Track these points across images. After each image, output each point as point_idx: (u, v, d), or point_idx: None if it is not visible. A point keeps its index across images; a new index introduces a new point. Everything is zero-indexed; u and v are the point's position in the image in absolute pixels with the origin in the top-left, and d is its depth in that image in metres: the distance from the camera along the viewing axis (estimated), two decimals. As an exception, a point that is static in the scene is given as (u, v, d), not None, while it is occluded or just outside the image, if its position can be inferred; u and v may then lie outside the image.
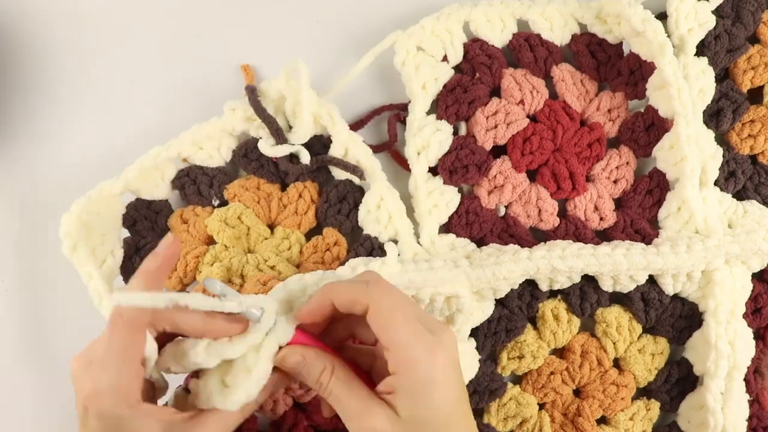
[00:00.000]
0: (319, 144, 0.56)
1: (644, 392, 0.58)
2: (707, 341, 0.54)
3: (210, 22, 0.59)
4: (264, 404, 0.54)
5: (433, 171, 0.57)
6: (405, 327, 0.41)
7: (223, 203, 0.57)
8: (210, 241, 0.56)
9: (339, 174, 0.56)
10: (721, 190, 0.56)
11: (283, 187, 0.57)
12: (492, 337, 0.57)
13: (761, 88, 0.56)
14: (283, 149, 0.54)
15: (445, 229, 0.58)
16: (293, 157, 0.55)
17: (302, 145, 0.55)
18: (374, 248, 0.55)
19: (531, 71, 0.57)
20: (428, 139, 0.56)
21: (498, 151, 0.58)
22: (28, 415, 0.58)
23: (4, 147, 0.59)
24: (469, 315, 0.54)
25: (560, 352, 0.58)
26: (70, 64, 0.59)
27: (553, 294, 0.58)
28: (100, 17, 0.59)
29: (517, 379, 0.59)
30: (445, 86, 0.57)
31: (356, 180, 0.56)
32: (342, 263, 0.54)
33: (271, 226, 0.57)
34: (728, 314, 0.54)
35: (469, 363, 0.56)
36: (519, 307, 0.57)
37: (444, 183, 0.57)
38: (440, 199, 0.57)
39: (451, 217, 0.58)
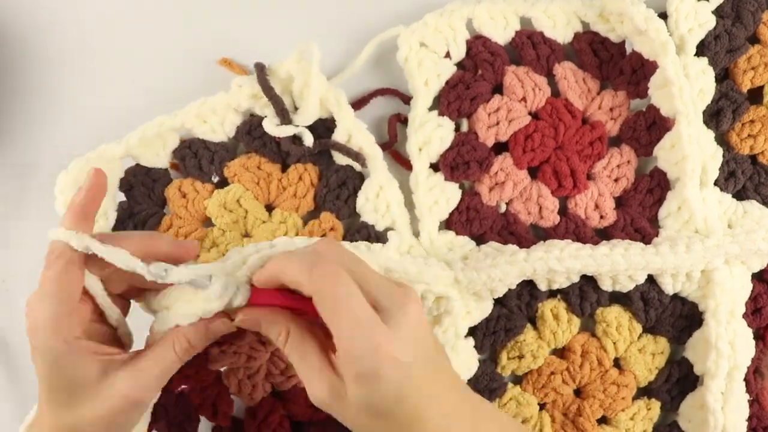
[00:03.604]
0: (323, 127, 0.56)
1: (645, 392, 0.58)
2: (707, 341, 0.54)
3: (212, 16, 0.59)
4: (242, 388, 0.54)
5: (435, 167, 0.57)
6: (348, 318, 0.39)
7: (223, 180, 0.56)
8: (207, 220, 0.56)
9: (340, 159, 0.56)
10: (721, 190, 0.56)
11: (284, 168, 0.57)
12: (491, 336, 0.57)
13: (761, 88, 0.56)
14: (287, 130, 0.54)
15: (446, 225, 0.58)
16: (296, 139, 0.55)
17: (306, 127, 0.55)
18: (370, 236, 0.56)
19: (533, 69, 0.57)
20: (430, 135, 0.56)
21: (500, 148, 0.57)
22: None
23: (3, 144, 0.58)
24: (458, 318, 0.54)
25: (560, 352, 0.58)
26: (70, 43, 0.59)
27: (552, 294, 0.57)
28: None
29: (518, 379, 0.58)
30: (447, 82, 0.57)
31: (357, 167, 0.56)
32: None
33: (269, 207, 0.57)
34: (728, 314, 0.54)
35: (468, 362, 0.55)
36: (518, 307, 0.57)
37: (445, 179, 0.57)
38: (441, 196, 0.57)
39: (451, 214, 0.57)
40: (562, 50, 0.57)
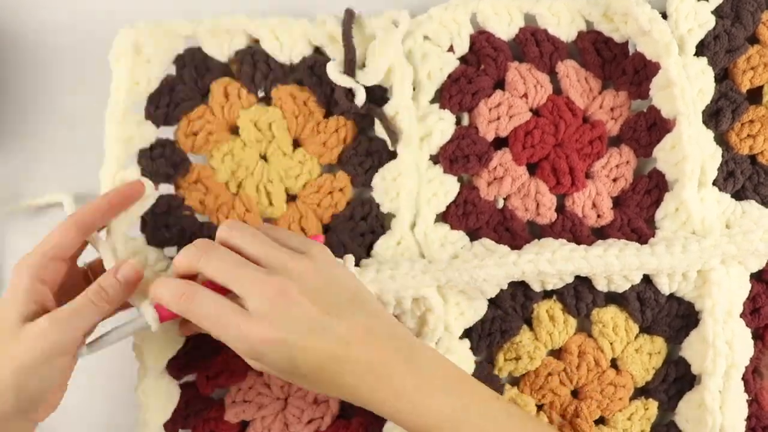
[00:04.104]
0: (379, 93, 0.56)
1: (642, 392, 0.57)
2: (705, 340, 0.54)
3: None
4: None
5: (434, 160, 0.57)
6: (211, 325, 0.44)
7: (267, 98, 0.57)
8: (236, 129, 0.57)
9: (379, 130, 0.56)
10: (720, 190, 0.56)
11: (327, 114, 0.57)
12: (487, 338, 0.56)
13: (760, 88, 0.56)
14: (346, 80, 0.54)
15: (442, 218, 0.57)
16: (350, 93, 0.55)
17: (364, 87, 0.55)
18: (371, 213, 0.56)
19: (536, 66, 0.57)
20: (431, 127, 0.56)
21: (499, 143, 0.57)
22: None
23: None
24: (441, 314, 0.54)
25: (557, 353, 0.57)
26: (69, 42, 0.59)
27: (547, 294, 0.57)
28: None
29: (515, 381, 0.58)
30: (449, 76, 0.57)
31: (390, 144, 0.56)
32: (334, 214, 0.57)
33: (296, 143, 0.58)
34: (725, 314, 0.53)
35: (464, 364, 0.55)
36: (513, 308, 0.56)
37: (444, 172, 0.57)
38: (439, 188, 0.56)
39: (448, 207, 0.57)
40: (565, 48, 0.57)
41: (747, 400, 0.54)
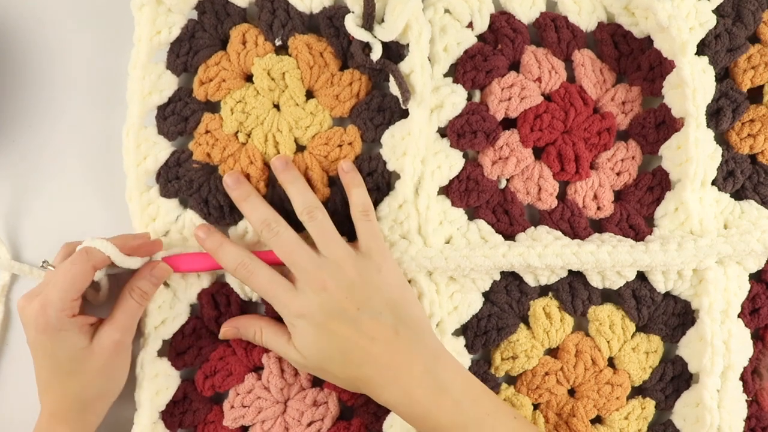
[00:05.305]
0: (395, 50, 0.55)
1: (639, 391, 0.56)
2: (702, 338, 0.53)
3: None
4: None
5: (442, 133, 0.56)
6: (264, 293, 0.52)
7: (285, 47, 0.56)
8: (249, 76, 0.56)
9: (393, 87, 0.55)
10: (720, 189, 0.56)
11: (343, 67, 0.56)
12: (482, 336, 0.55)
13: (761, 87, 0.56)
14: (363, 34, 0.53)
15: (444, 192, 0.57)
16: (367, 47, 0.54)
17: (382, 42, 0.54)
18: (377, 169, 0.56)
19: (553, 52, 0.57)
20: (442, 99, 0.56)
21: (508, 125, 0.57)
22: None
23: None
24: (435, 298, 0.54)
25: (554, 352, 0.56)
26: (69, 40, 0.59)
27: (543, 292, 0.56)
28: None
29: (512, 380, 0.56)
30: (466, 52, 0.57)
31: (402, 102, 0.55)
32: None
33: (310, 93, 0.57)
34: (721, 313, 0.53)
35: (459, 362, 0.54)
36: (508, 304, 0.56)
37: (450, 146, 0.56)
38: (444, 161, 0.56)
39: (451, 181, 0.56)
40: (583, 37, 0.57)
41: (747, 401, 0.53)
